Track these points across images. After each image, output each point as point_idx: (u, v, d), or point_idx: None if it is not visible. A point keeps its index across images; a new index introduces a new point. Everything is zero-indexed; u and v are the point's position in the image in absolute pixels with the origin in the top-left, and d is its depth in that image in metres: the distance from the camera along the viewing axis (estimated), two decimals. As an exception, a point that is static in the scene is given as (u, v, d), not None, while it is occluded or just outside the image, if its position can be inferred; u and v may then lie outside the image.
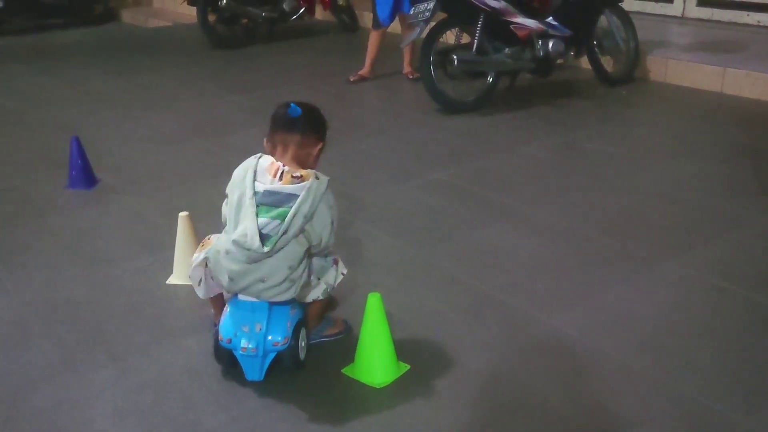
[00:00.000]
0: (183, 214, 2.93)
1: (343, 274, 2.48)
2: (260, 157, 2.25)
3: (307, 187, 2.17)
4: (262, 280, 2.22)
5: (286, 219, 2.14)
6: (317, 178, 2.21)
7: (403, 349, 2.44)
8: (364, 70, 6.18)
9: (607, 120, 5.05)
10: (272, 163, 2.23)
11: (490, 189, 3.88)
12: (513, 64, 5.22)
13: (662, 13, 7.36)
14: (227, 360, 2.35)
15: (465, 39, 5.28)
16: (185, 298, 2.87)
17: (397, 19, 6.01)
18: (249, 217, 2.15)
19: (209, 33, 7.48)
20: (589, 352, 2.48)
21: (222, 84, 6.21)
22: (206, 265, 2.36)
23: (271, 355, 2.30)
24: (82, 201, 3.86)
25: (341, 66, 6.53)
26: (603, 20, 5.61)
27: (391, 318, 2.36)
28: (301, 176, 2.19)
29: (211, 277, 2.38)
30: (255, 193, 2.17)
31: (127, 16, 9.80)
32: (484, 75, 5.20)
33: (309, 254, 2.31)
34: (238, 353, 2.29)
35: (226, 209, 2.28)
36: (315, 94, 5.71)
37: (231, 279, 2.24)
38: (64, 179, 4.01)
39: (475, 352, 2.49)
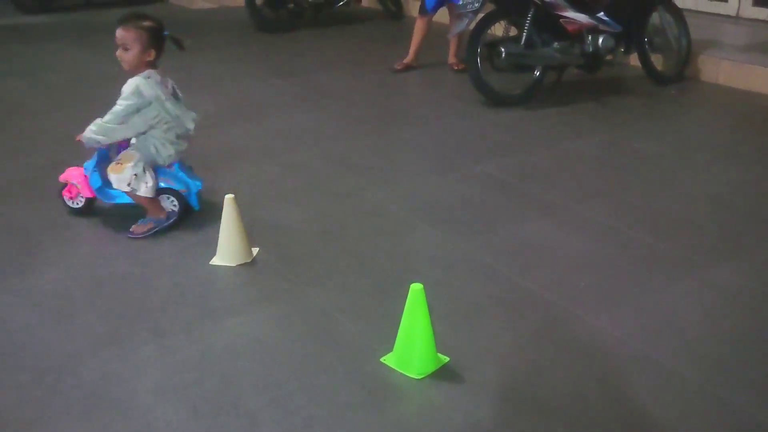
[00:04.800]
0: (229, 196, 2.95)
1: None
2: (149, 76, 3.21)
3: None
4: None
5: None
6: None
7: (443, 341, 2.44)
8: (409, 58, 6.15)
9: (655, 119, 4.96)
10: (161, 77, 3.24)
11: (533, 184, 3.84)
12: (561, 58, 5.15)
13: (716, 12, 7.20)
14: (183, 207, 3.28)
15: (513, 31, 5.23)
16: (228, 280, 2.90)
17: (445, 8, 5.97)
18: (182, 109, 3.30)
19: (254, 16, 7.51)
20: (631, 355, 2.44)
21: (265, 67, 6.23)
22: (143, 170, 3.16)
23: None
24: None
25: (386, 54, 6.50)
26: (655, 17, 5.51)
27: (431, 309, 2.34)
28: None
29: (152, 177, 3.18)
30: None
31: (174, -4, 9.87)
32: (531, 69, 5.14)
33: None
34: (192, 197, 3.27)
35: (135, 111, 3.22)
36: (359, 81, 5.71)
37: (179, 152, 3.29)
38: (111, 156, 4.05)
39: (516, 348, 2.47)
